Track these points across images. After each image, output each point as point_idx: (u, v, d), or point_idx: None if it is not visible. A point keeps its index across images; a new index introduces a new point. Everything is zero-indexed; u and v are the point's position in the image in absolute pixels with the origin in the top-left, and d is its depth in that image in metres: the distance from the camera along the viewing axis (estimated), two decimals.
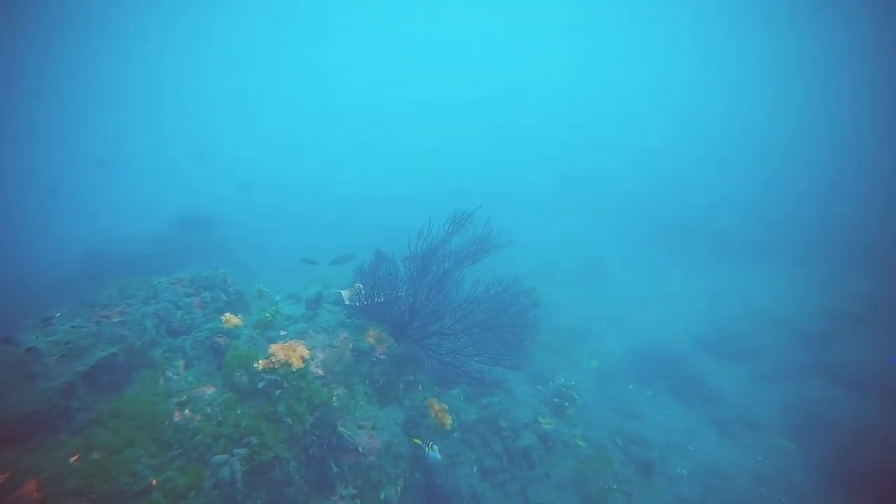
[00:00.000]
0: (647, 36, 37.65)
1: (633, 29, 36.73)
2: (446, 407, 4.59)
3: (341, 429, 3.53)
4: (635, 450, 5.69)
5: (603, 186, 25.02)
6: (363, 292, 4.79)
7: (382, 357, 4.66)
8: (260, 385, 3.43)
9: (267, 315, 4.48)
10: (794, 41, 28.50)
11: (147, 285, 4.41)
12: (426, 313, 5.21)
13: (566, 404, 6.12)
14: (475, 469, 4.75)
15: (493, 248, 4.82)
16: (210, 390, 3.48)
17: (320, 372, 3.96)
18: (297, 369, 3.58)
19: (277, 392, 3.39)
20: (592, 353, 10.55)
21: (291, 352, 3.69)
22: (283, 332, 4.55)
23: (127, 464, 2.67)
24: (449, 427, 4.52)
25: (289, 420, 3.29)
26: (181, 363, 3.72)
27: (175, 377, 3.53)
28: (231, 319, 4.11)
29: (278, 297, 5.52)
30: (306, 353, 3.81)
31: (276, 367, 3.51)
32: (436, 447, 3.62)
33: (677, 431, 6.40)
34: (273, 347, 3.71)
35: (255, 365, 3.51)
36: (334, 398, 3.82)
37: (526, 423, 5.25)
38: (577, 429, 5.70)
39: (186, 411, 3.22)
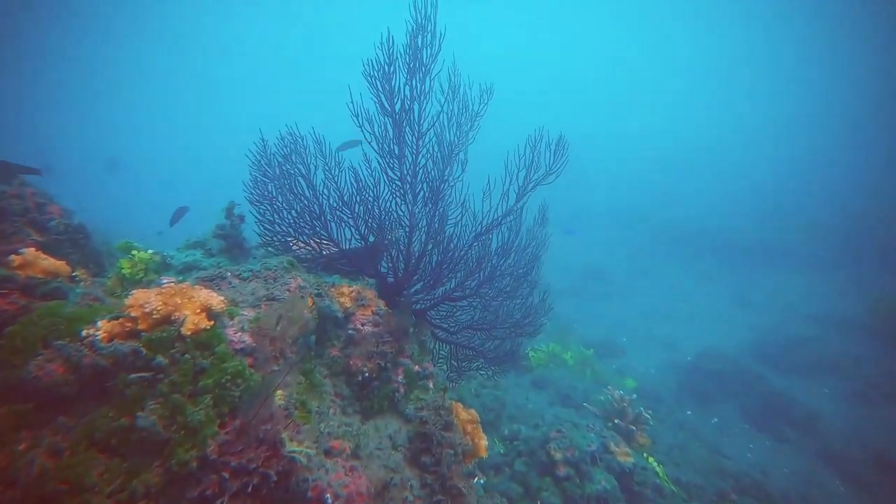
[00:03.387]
0: (638, 40, 40.36)
1: (624, 30, 39.25)
2: (477, 417, 3.00)
3: (293, 449, 1.84)
4: None
5: (587, 196, 25.27)
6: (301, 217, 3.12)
7: (368, 329, 3.06)
8: (88, 362, 1.70)
9: (133, 265, 2.67)
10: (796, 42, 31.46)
11: None
12: (431, 263, 3.71)
13: (633, 428, 4.68)
14: None
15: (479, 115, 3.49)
16: None
17: (248, 341, 2.26)
18: (196, 332, 1.92)
19: (136, 380, 1.67)
20: (621, 371, 9.55)
21: (183, 299, 2.01)
22: (165, 281, 2.78)
23: None
24: (485, 452, 2.93)
25: (167, 436, 1.58)
26: None
27: None
28: (36, 262, 2.28)
29: (172, 251, 3.61)
30: (218, 303, 2.15)
31: (143, 329, 1.81)
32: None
33: (781, 475, 5.14)
34: (138, 294, 1.96)
35: (88, 332, 1.77)
36: (278, 393, 2.13)
37: (593, 451, 3.72)
38: (659, 466, 4.25)
39: None
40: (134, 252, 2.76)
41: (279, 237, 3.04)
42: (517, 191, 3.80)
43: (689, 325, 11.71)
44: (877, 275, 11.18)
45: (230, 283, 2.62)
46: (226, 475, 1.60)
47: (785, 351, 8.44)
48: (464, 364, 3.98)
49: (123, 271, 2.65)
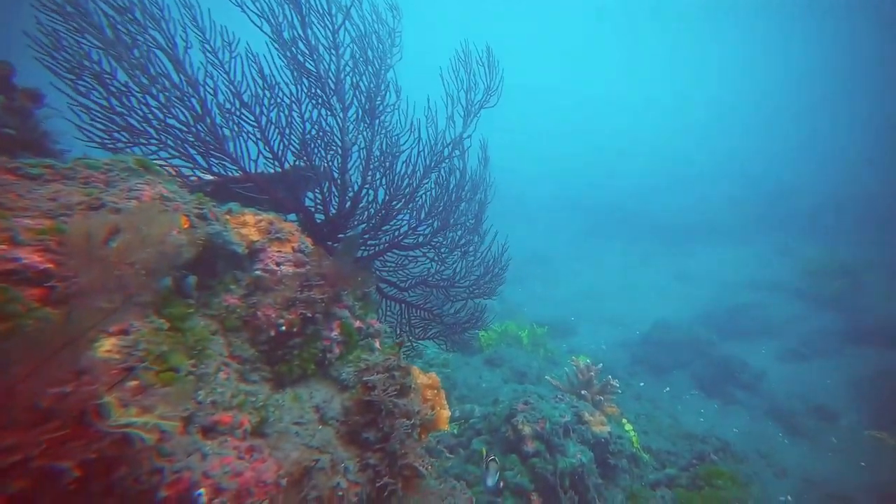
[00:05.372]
0: (569, 34, 42.33)
1: (556, 24, 40.99)
2: (438, 382, 2.40)
3: (124, 420, 1.06)
4: (737, 467, 4.14)
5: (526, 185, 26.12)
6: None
7: (286, 271, 2.31)
8: None
9: None
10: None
11: None
12: (378, 200, 3.12)
13: (600, 398, 4.41)
14: None
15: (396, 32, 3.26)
16: None
17: (33, 260, 1.40)
18: None
19: None
20: (572, 349, 9.63)
21: None
22: None
23: None
24: (447, 425, 2.36)
25: None
26: None
27: None
28: None
29: None
30: None
31: None
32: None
33: (732, 435, 5.29)
34: None
35: None
36: (110, 342, 1.34)
37: (566, 423, 3.31)
38: (635, 433, 4.01)
39: None
40: None
41: (123, 136, 2.06)
42: (462, 115, 3.41)
43: (633, 302, 12.23)
44: (796, 242, 12.65)
45: None
46: None
47: (727, 318, 9.07)
48: (418, 330, 3.37)
49: None
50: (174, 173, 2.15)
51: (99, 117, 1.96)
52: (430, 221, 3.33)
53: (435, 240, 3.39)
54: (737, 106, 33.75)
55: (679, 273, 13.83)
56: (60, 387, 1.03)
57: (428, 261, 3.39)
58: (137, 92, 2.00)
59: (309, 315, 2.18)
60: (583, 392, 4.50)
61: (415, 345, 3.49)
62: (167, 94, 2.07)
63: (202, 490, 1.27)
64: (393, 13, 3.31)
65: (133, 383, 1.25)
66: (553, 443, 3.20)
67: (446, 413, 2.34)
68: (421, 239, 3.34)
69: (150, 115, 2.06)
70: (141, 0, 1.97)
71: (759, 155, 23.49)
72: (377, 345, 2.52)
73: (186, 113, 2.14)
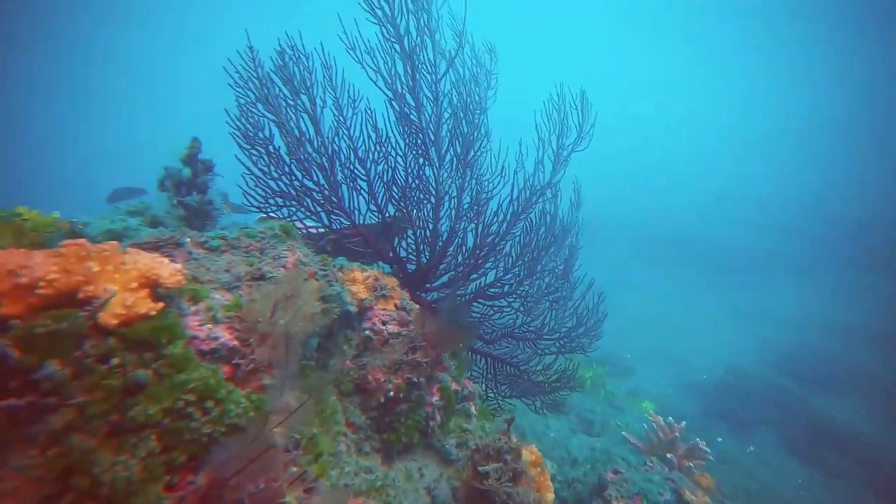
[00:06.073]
0: (614, 54, 41.68)
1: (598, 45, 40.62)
2: (541, 458, 2.30)
3: None
4: None
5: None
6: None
7: (391, 330, 2.36)
8: None
9: (18, 233, 1.76)
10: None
11: None
12: (466, 247, 3.13)
13: (690, 465, 4.06)
14: None
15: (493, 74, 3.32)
16: None
17: (225, 338, 1.49)
18: (131, 319, 1.16)
19: None
20: (634, 392, 9.06)
21: (104, 265, 1.21)
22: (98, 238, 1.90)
23: None
24: None
25: None
26: None
27: None
28: None
29: (90, 218, 2.66)
30: (172, 275, 1.36)
31: (15, 313, 1.00)
32: None
33: None
34: (4, 255, 1.08)
35: None
36: (276, 430, 1.39)
37: (665, 502, 3.05)
38: None
39: None
40: (21, 212, 1.80)
41: (276, 201, 2.22)
42: (552, 158, 3.35)
43: (692, 338, 11.43)
44: (879, 279, 11.33)
45: (189, 252, 1.80)
46: None
47: (806, 364, 8.18)
48: (504, 387, 3.29)
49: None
50: (304, 234, 2.26)
51: (261, 183, 2.13)
52: (516, 270, 3.27)
53: (521, 288, 3.33)
54: (801, 125, 31.44)
55: (737, 308, 12.80)
56: (256, 482, 1.05)
57: (513, 311, 3.32)
58: (287, 155, 2.14)
59: (414, 380, 2.17)
60: (668, 456, 4.18)
61: (501, 404, 3.39)
62: (308, 156, 2.20)
63: None
64: (490, 55, 3.32)
65: (298, 474, 1.27)
66: None
67: (551, 496, 2.22)
68: (507, 288, 3.29)
69: (293, 178, 2.20)
70: (299, 66, 2.14)
71: (828, 180, 21.45)
72: (473, 409, 2.47)
73: (319, 173, 2.26)
